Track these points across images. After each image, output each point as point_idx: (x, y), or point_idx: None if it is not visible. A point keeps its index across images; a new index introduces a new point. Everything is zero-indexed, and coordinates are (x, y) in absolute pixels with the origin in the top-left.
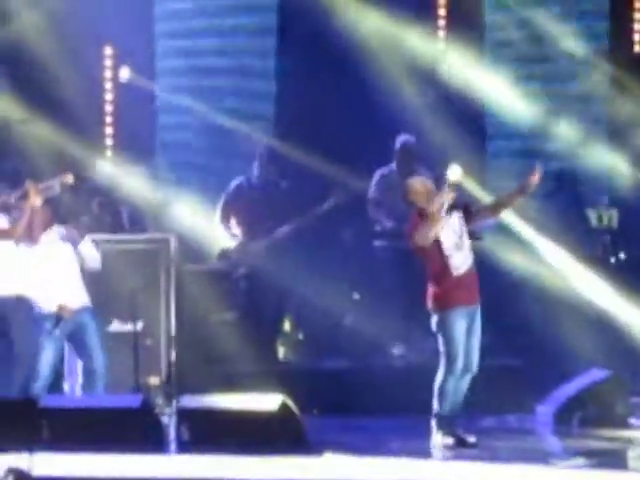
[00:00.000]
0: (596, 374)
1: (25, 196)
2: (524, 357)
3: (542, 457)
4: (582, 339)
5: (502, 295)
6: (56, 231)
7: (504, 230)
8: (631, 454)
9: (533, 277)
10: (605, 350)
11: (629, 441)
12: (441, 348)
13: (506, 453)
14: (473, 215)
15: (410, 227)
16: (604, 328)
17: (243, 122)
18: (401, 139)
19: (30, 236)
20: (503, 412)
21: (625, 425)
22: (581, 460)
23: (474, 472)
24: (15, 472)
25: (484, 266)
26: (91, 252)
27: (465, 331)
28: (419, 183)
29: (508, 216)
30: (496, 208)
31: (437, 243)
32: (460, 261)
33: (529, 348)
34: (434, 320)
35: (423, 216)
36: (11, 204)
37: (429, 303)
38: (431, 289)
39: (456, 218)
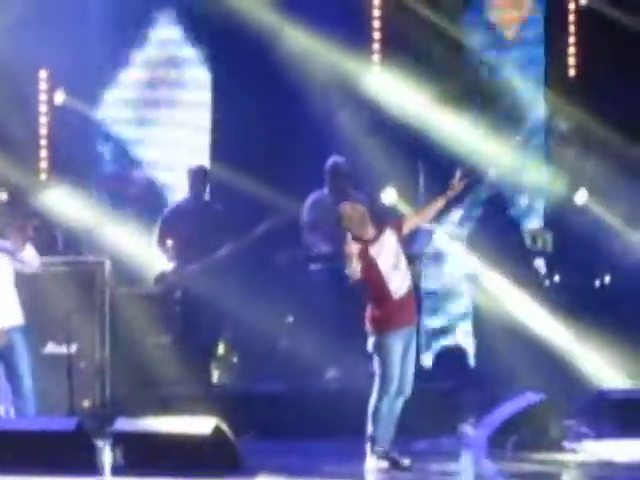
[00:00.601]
0: (530, 398)
1: None
2: (458, 380)
3: None
4: (517, 362)
5: (440, 320)
6: None
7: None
8: (565, 477)
9: (471, 301)
10: (539, 373)
11: (563, 464)
12: (377, 370)
13: (440, 476)
14: (405, 226)
15: (348, 251)
16: (539, 351)
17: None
18: (331, 161)
19: None
20: (436, 435)
21: (559, 448)
22: None
23: None
24: None
25: (423, 291)
26: (31, 255)
27: (402, 353)
28: (350, 208)
29: (442, 241)
30: (424, 213)
31: (374, 266)
32: (399, 283)
33: (463, 371)
34: (371, 341)
35: (357, 240)
36: None
37: (367, 325)
38: (370, 311)
39: (391, 237)
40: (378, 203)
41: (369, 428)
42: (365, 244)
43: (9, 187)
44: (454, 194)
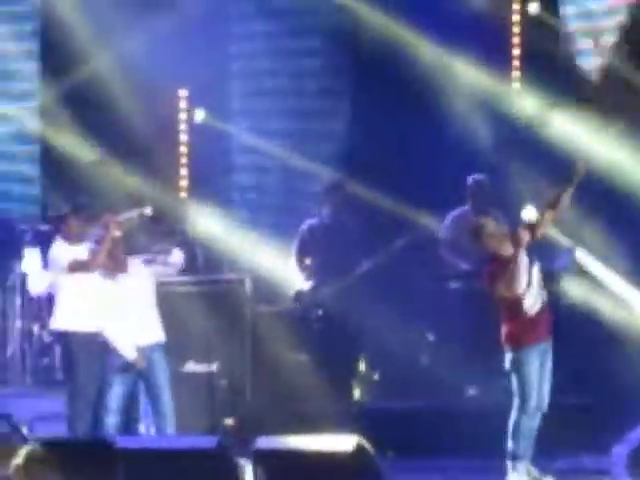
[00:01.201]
0: None
1: (105, 227)
2: (597, 396)
3: None
4: None
5: (573, 332)
6: (137, 261)
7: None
8: None
9: (610, 319)
10: None
11: None
12: (515, 387)
13: None
14: (539, 227)
15: (488, 270)
16: None
17: (315, 163)
18: (474, 178)
19: (112, 265)
20: (578, 453)
21: None
22: None
23: None
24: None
25: (562, 310)
26: (179, 257)
27: (539, 368)
28: (492, 225)
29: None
30: (551, 207)
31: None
32: (533, 299)
33: (602, 386)
34: (508, 358)
35: (497, 260)
36: (87, 235)
37: (504, 342)
38: (506, 328)
39: (524, 255)
40: (519, 221)
41: (510, 445)
42: (502, 261)
43: (153, 203)
44: (579, 179)
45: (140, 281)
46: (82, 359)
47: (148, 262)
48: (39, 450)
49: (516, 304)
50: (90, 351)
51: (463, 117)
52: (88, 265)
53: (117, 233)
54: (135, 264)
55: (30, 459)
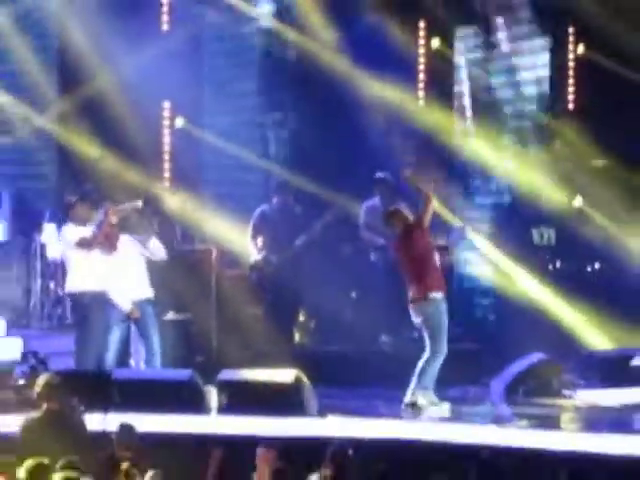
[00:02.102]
0: (536, 357)
1: (105, 215)
2: (484, 343)
3: (495, 420)
4: (526, 330)
5: (469, 297)
6: (127, 239)
7: (471, 247)
8: (564, 418)
9: (493, 283)
10: (544, 339)
11: (562, 408)
12: (430, 334)
13: (468, 416)
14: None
15: (400, 240)
16: (544, 322)
17: (265, 161)
18: (381, 176)
19: (107, 244)
20: (466, 386)
21: (559, 396)
22: (525, 422)
23: (444, 430)
24: (125, 426)
25: (456, 275)
26: (157, 246)
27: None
28: (405, 209)
29: (476, 239)
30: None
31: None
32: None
33: (488, 336)
34: (423, 310)
35: (407, 230)
36: (90, 219)
37: (418, 295)
38: (421, 282)
39: None
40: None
41: (420, 379)
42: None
43: (143, 194)
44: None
45: (132, 254)
46: (89, 311)
47: (135, 242)
48: (54, 377)
49: (429, 258)
50: (95, 305)
51: (378, 126)
52: (90, 242)
53: (114, 219)
54: (127, 242)
55: (48, 384)
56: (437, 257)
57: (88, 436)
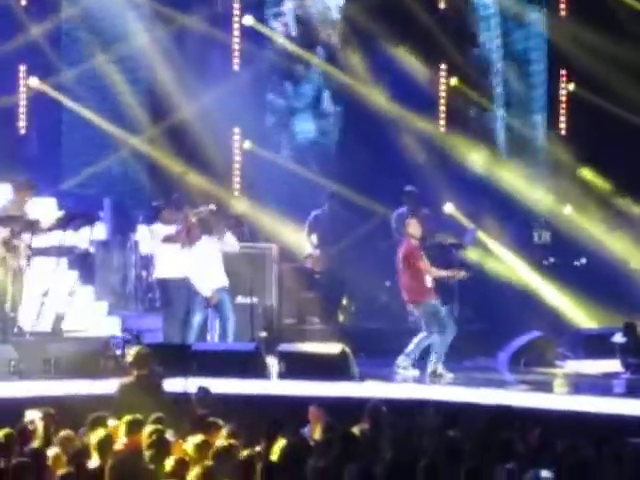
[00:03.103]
0: (534, 334)
1: (186, 216)
2: (491, 323)
3: (501, 384)
4: (526, 312)
5: (482, 287)
6: (206, 237)
7: (480, 245)
8: (556, 383)
9: (499, 275)
10: (541, 320)
11: (555, 375)
12: (433, 324)
13: (479, 382)
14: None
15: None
16: (539, 305)
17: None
18: (408, 189)
19: (188, 240)
20: (477, 357)
21: (553, 365)
22: (525, 386)
23: (458, 392)
24: (202, 388)
25: (467, 268)
26: (232, 241)
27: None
28: (414, 223)
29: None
30: None
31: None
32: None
33: (495, 317)
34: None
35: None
36: (174, 220)
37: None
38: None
39: None
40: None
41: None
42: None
43: (217, 200)
44: None
45: (210, 249)
46: (175, 296)
47: (213, 239)
48: (144, 349)
49: (418, 274)
50: (180, 291)
51: (408, 148)
52: (175, 239)
53: (193, 220)
54: (206, 239)
55: (138, 355)
56: (428, 278)
57: (169, 397)
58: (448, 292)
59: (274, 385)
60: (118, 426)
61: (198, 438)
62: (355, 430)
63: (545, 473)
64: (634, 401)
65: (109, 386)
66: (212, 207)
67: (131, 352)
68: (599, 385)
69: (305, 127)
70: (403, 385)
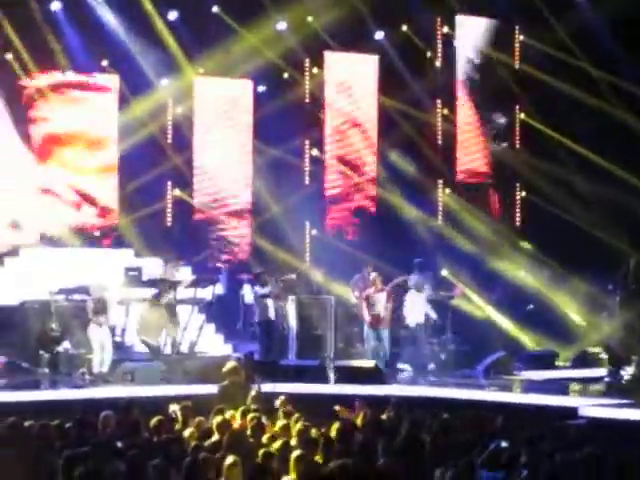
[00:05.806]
0: (499, 353)
1: (275, 281)
2: (473, 346)
3: (478, 386)
4: (494, 339)
5: (467, 322)
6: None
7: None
8: (514, 386)
9: (478, 315)
10: (503, 343)
11: (514, 381)
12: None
13: (465, 385)
14: None
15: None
16: (502, 334)
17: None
18: (417, 260)
19: (276, 297)
20: (461, 370)
21: (512, 374)
22: (494, 388)
23: (450, 392)
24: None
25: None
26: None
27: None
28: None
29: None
30: None
31: None
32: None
33: (475, 342)
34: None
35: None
36: (268, 282)
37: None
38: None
39: None
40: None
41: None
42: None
43: (294, 270)
44: None
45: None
46: (272, 330)
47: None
48: (235, 364)
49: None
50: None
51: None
52: (269, 295)
53: (281, 285)
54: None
55: (232, 365)
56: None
57: (260, 396)
58: (443, 326)
59: (332, 387)
60: (233, 415)
61: (298, 425)
62: (384, 416)
63: (504, 443)
64: (567, 397)
65: (209, 389)
66: (292, 276)
67: (227, 364)
68: (540, 386)
69: None
70: (416, 387)
